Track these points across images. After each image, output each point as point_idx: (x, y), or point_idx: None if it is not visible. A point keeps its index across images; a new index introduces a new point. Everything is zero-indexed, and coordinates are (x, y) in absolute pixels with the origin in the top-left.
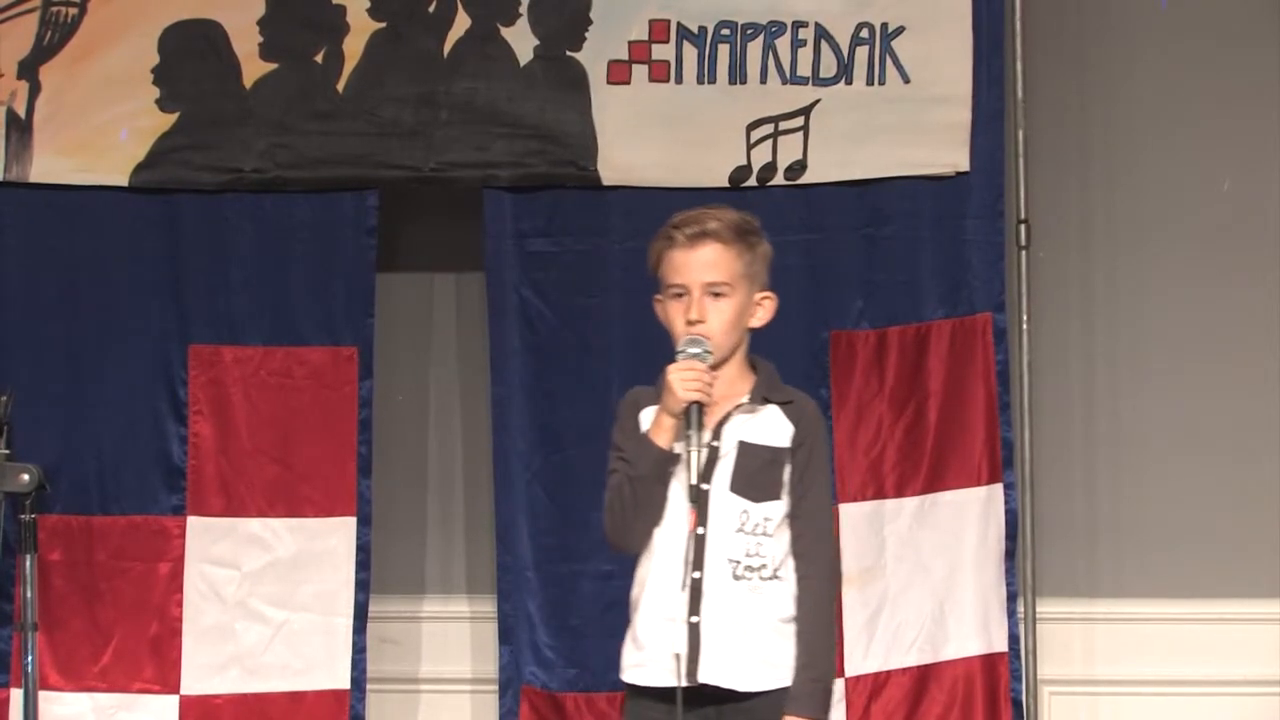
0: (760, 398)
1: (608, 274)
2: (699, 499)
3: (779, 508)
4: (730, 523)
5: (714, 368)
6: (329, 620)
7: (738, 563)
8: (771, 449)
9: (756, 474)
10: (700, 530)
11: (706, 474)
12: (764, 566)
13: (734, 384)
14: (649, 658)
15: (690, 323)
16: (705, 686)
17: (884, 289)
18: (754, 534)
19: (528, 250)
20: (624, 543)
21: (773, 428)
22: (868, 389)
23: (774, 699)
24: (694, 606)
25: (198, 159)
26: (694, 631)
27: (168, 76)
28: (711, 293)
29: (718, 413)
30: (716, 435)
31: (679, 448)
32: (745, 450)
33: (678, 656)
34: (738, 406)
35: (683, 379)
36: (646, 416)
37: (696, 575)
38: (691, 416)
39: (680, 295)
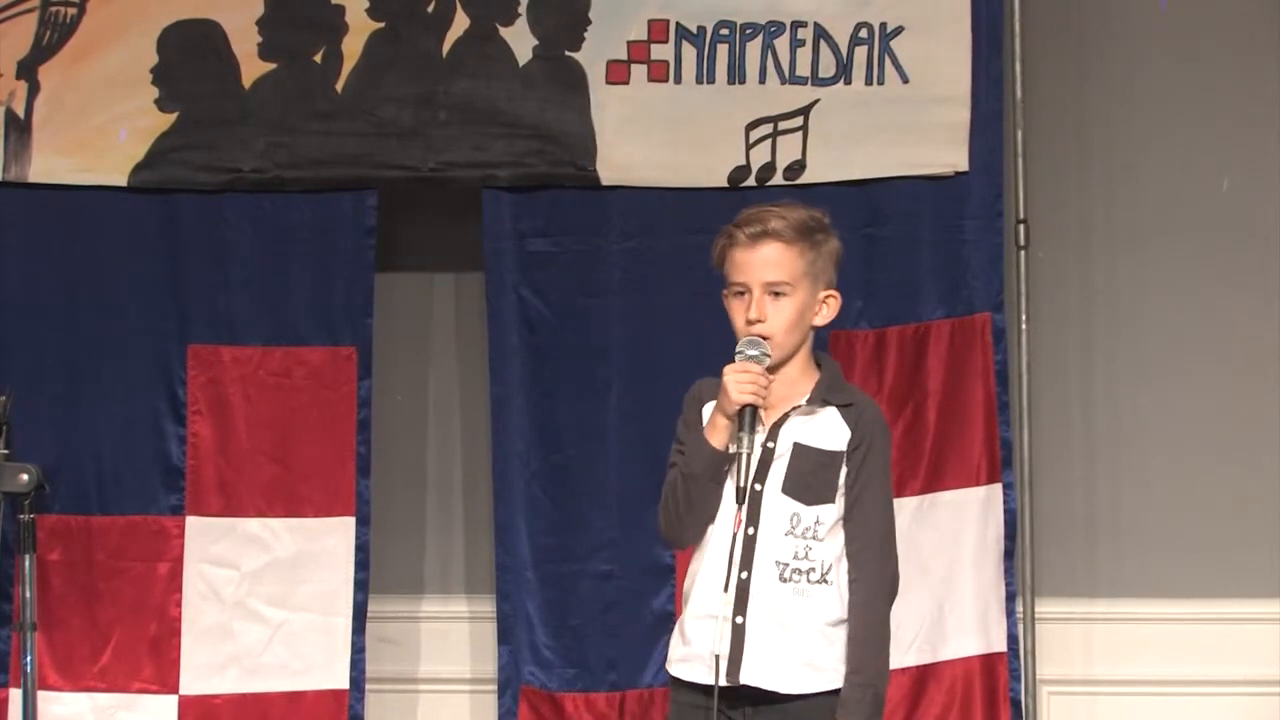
0: (820, 399)
1: (607, 274)
2: (749, 500)
3: (831, 511)
4: (780, 524)
5: (774, 368)
6: (328, 620)
7: (785, 565)
8: (826, 452)
9: (809, 476)
10: (750, 531)
11: (760, 475)
12: (812, 570)
13: (795, 384)
14: (694, 653)
15: (750, 322)
16: (747, 687)
17: (883, 289)
18: (804, 537)
19: (527, 250)
20: (677, 539)
21: (829, 430)
22: (867, 389)
23: (815, 703)
24: (739, 606)
25: (197, 159)
26: (738, 632)
27: (167, 76)
28: (772, 292)
29: (776, 413)
30: (773, 436)
31: (734, 448)
32: (799, 452)
33: (717, 657)
34: (796, 408)
35: (738, 381)
36: (709, 410)
37: (744, 575)
38: (745, 419)
39: (741, 294)
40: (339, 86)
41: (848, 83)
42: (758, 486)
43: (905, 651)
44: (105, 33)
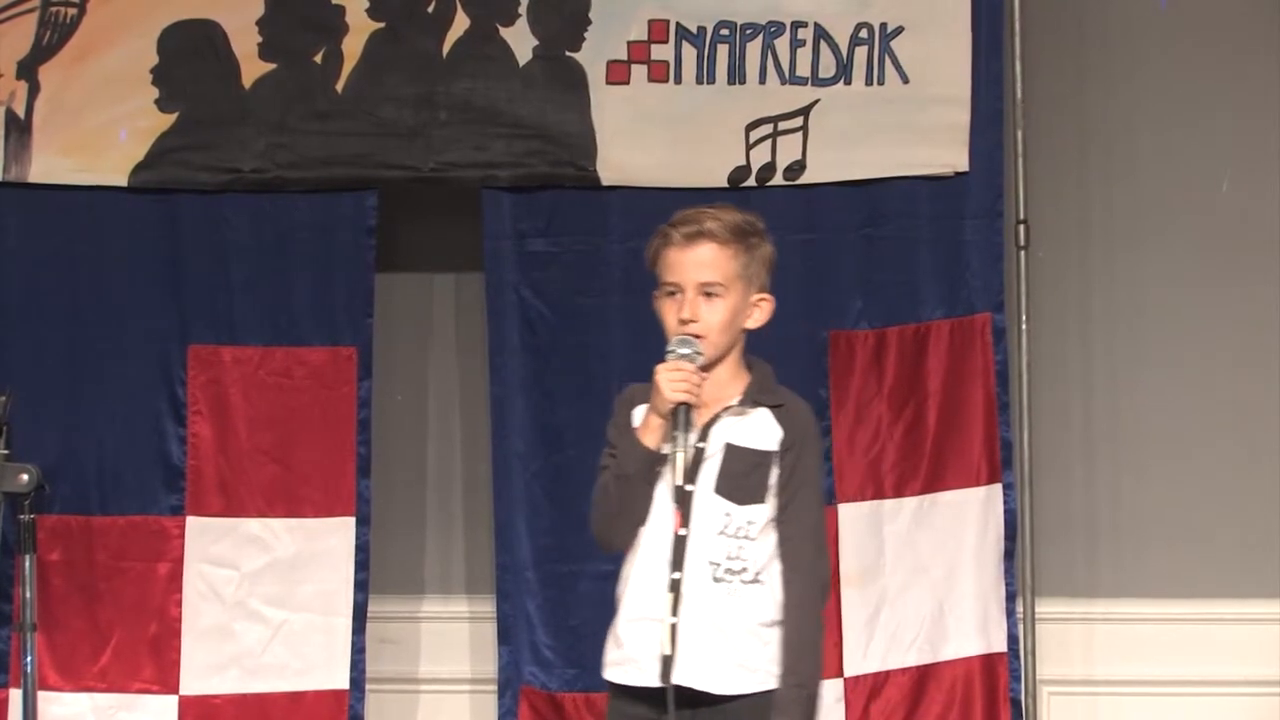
0: (751, 400)
1: (607, 274)
2: (683, 500)
3: (763, 511)
4: (712, 525)
5: (705, 368)
6: (328, 620)
7: (718, 565)
8: (758, 452)
9: (741, 477)
10: (682, 531)
11: (691, 475)
12: (745, 570)
13: (726, 385)
14: (627, 656)
15: (682, 322)
16: (681, 689)
17: (883, 289)
18: (736, 537)
19: (527, 250)
20: (608, 540)
21: (761, 431)
22: (867, 389)
23: (750, 703)
24: (673, 607)
25: (197, 159)
26: (672, 632)
27: (167, 77)
28: (705, 292)
29: (707, 414)
30: (704, 436)
31: (667, 448)
32: (731, 453)
33: (666, 658)
34: (727, 408)
35: (670, 380)
36: (639, 414)
37: (676, 576)
38: (679, 417)
39: (674, 293)
40: (339, 87)
41: (848, 83)
42: (689, 487)
43: (905, 651)
44: (105, 33)
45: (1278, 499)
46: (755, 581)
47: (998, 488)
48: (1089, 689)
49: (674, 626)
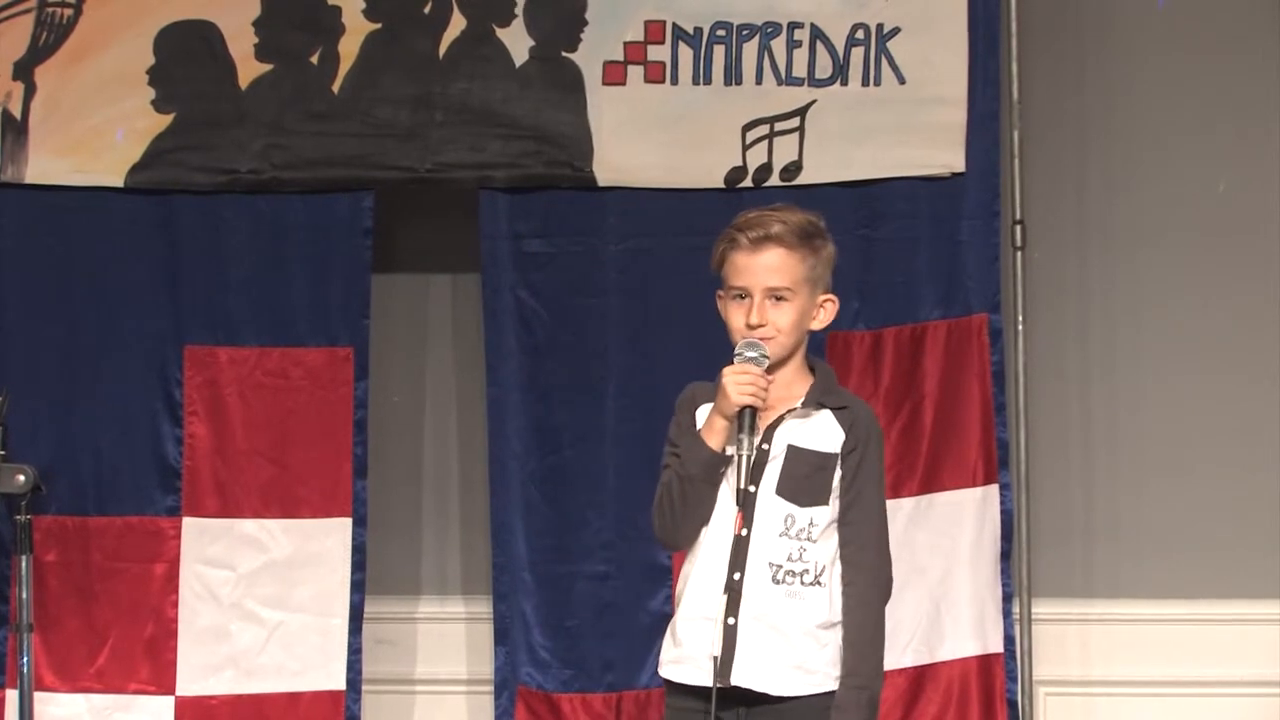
0: (815, 402)
1: (604, 275)
2: (745, 501)
3: (825, 513)
4: (774, 526)
5: (770, 371)
6: (324, 621)
7: (779, 567)
8: (820, 454)
9: (803, 479)
10: (744, 532)
11: (754, 477)
12: (806, 572)
13: (790, 387)
14: (685, 655)
15: (751, 326)
16: (737, 689)
17: (880, 290)
18: (797, 538)
19: (523, 251)
20: (671, 540)
21: (824, 433)
22: (864, 390)
23: (807, 705)
24: (732, 608)
25: (193, 160)
26: (730, 633)
27: (163, 77)
28: (773, 296)
29: (770, 415)
30: (767, 438)
31: (730, 450)
32: (794, 454)
33: (715, 659)
34: (790, 410)
35: (737, 382)
36: (703, 414)
37: (737, 577)
38: (744, 420)
39: (741, 297)
40: (335, 87)
41: (844, 84)
42: (751, 488)
43: (902, 652)
44: (102, 34)
45: (1274, 500)
46: (816, 583)
47: (994, 488)
48: (1085, 690)
49: (732, 627)
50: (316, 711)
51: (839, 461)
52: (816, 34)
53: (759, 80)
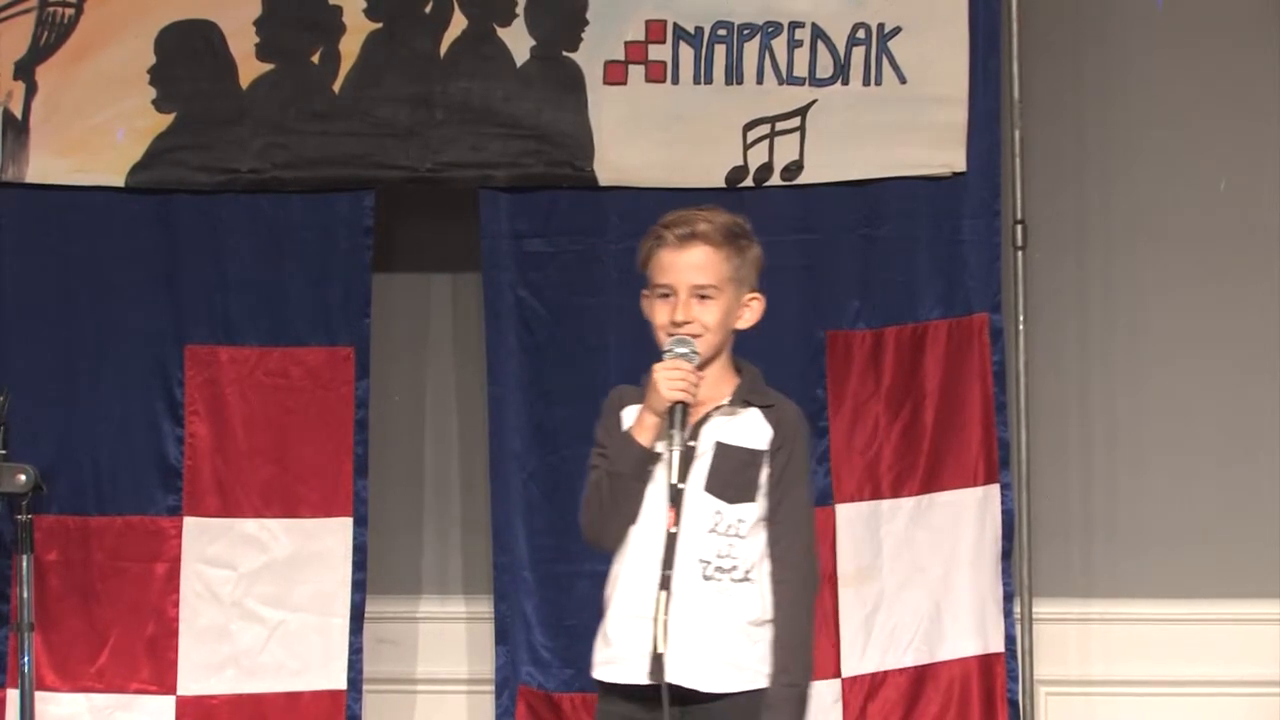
0: (741, 400)
1: (604, 274)
2: (676, 498)
3: (753, 510)
4: (703, 523)
5: (699, 369)
6: (325, 621)
7: (708, 563)
8: (749, 451)
9: (732, 475)
10: (674, 529)
11: (682, 474)
12: (735, 568)
13: (717, 385)
14: (617, 654)
15: (676, 324)
16: (671, 686)
17: (880, 289)
18: (726, 535)
19: (524, 250)
20: (600, 539)
21: (751, 430)
22: (864, 389)
23: (739, 701)
24: (664, 605)
25: (194, 159)
26: (663, 630)
27: (164, 77)
28: (699, 295)
29: (698, 413)
30: (695, 435)
31: (660, 447)
32: (722, 451)
33: (659, 656)
34: (718, 408)
35: (668, 379)
36: (628, 415)
37: (667, 574)
38: (675, 416)
39: (667, 295)
40: (336, 87)
41: (845, 83)
42: (680, 485)
43: (903, 652)
44: (103, 33)
45: (1275, 499)
46: (745, 580)
47: (995, 488)
48: (1086, 689)
49: (665, 624)
50: (317, 711)
51: (767, 459)
52: (817, 33)
53: (760, 80)
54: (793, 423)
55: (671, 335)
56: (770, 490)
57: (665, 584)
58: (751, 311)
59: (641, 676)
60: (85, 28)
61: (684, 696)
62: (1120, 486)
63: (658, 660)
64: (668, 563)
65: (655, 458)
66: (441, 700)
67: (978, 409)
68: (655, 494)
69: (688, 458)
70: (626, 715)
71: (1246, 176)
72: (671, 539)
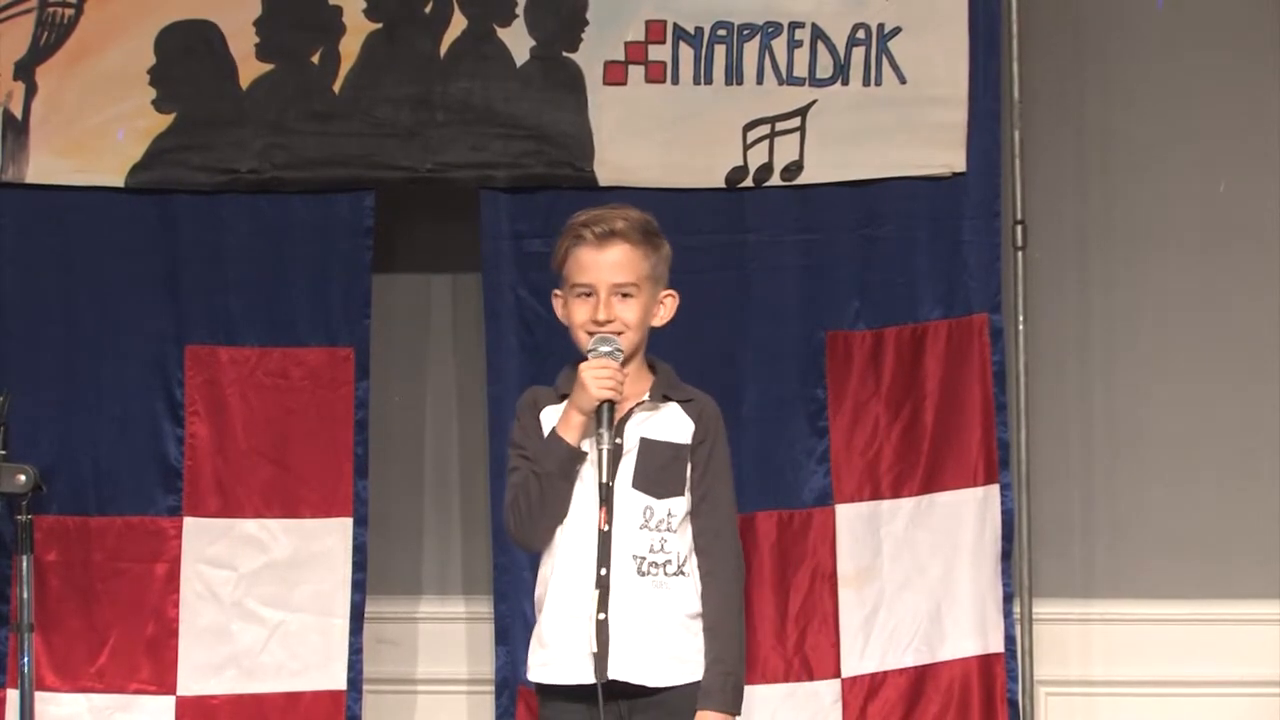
0: (660, 395)
1: None
2: (607, 496)
3: (682, 504)
4: (634, 519)
5: (621, 366)
6: (325, 621)
7: (642, 559)
8: (673, 445)
9: (659, 470)
10: (605, 527)
11: (611, 471)
12: (669, 562)
13: (635, 383)
14: (554, 656)
15: (599, 322)
16: (615, 683)
17: (880, 289)
18: (658, 530)
19: (524, 251)
20: (528, 541)
21: (674, 424)
22: (864, 389)
23: (683, 694)
24: (602, 603)
25: (194, 159)
26: (602, 628)
27: (164, 77)
28: (620, 293)
29: (621, 410)
30: (619, 433)
31: (586, 445)
32: (647, 447)
33: (595, 655)
34: (639, 404)
35: (596, 377)
36: (548, 415)
37: (604, 572)
38: (603, 414)
39: (587, 294)
40: (336, 87)
41: (845, 83)
42: (609, 483)
43: (903, 652)
44: (103, 33)
45: (1275, 499)
46: (680, 573)
47: (995, 488)
48: (1086, 689)
49: (603, 622)
50: (317, 711)
51: (690, 453)
52: (817, 34)
53: (760, 80)
54: (713, 415)
55: (593, 334)
56: (694, 484)
57: (601, 582)
58: (666, 309)
59: (583, 676)
60: (85, 28)
61: (628, 691)
62: (1120, 486)
63: (597, 659)
64: (602, 561)
65: (582, 456)
66: (441, 700)
67: (978, 409)
68: (582, 493)
69: (614, 455)
70: (570, 715)
71: (1246, 177)
72: (604, 537)
